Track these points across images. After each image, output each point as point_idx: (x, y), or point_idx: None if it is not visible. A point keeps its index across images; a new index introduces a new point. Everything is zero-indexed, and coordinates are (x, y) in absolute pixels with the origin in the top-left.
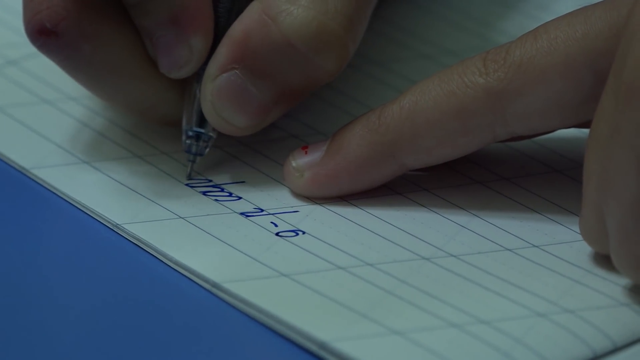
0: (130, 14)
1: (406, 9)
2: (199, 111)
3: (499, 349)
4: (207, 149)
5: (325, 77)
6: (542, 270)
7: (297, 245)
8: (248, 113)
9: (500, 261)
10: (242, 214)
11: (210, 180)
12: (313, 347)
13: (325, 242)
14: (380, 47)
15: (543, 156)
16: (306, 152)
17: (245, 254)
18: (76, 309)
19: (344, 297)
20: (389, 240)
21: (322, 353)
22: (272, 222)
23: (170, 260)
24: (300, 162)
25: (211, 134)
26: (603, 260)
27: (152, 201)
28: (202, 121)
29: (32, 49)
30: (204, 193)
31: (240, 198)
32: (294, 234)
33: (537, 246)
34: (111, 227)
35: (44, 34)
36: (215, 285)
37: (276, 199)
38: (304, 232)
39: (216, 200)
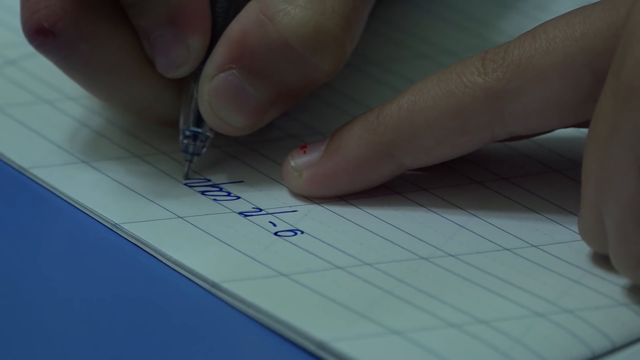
0: (127, 14)
1: (405, 9)
2: (197, 111)
3: (498, 349)
4: (205, 149)
5: (322, 77)
6: (541, 270)
7: (295, 245)
8: (245, 113)
9: (499, 261)
10: (240, 213)
11: (209, 180)
12: (312, 347)
13: (323, 241)
14: (378, 47)
15: (542, 156)
16: (305, 152)
17: (244, 254)
18: (75, 309)
19: (342, 296)
20: (387, 240)
21: (320, 353)
22: (270, 222)
23: (169, 259)
24: (298, 161)
25: (208, 133)
26: (602, 260)
27: (151, 201)
28: (199, 121)
29: (30, 48)
30: (203, 193)
31: (238, 198)
32: (292, 233)
33: (536, 246)
34: (110, 227)
35: (42, 33)
36: (214, 285)
37: (275, 198)
38: (302, 232)
39: (215, 199)
